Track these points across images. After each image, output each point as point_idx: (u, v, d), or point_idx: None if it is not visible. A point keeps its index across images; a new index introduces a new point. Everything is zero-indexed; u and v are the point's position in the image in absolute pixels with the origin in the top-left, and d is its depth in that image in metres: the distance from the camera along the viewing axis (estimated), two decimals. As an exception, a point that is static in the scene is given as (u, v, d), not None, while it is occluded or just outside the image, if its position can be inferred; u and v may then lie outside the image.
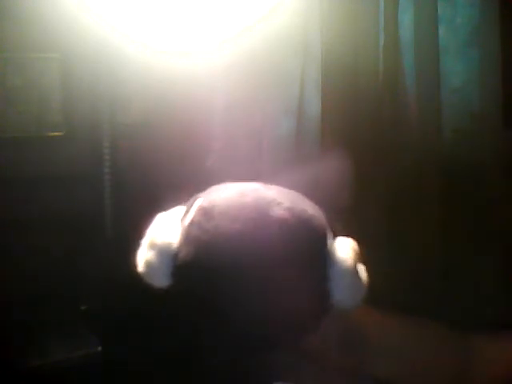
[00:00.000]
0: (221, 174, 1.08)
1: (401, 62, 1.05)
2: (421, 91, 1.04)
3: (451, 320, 0.84)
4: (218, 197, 0.58)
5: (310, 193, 0.63)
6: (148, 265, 0.59)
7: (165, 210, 0.64)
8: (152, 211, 0.66)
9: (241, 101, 1.17)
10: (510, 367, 0.64)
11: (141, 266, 0.60)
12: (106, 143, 1.26)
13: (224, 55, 1.02)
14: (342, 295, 0.55)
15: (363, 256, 0.59)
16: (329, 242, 0.57)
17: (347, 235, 0.60)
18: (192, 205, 0.60)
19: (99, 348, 1.13)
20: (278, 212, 0.55)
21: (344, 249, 0.57)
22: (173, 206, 0.64)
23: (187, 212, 0.59)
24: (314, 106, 1.10)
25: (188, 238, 0.56)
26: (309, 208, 0.58)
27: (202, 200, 0.59)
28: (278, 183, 0.63)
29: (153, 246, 0.59)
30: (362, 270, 0.58)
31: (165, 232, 0.58)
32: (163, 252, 0.57)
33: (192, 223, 0.57)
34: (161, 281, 0.58)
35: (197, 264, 0.54)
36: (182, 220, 0.59)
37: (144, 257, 0.60)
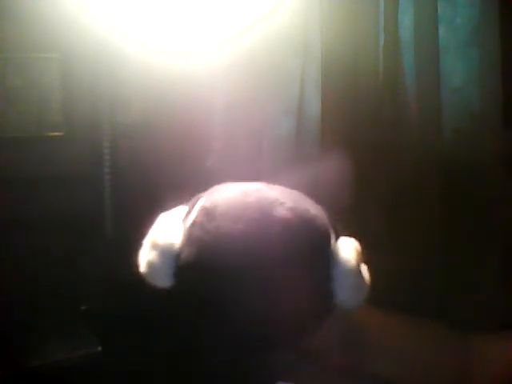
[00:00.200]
0: (221, 173, 1.09)
1: (401, 62, 1.05)
2: (421, 91, 1.04)
3: (451, 320, 0.84)
4: (220, 197, 0.58)
5: (310, 193, 0.63)
6: (150, 265, 0.59)
7: (165, 209, 0.64)
8: (152, 211, 0.66)
9: (241, 101, 1.17)
10: (510, 367, 0.64)
11: (143, 267, 0.60)
12: (105, 143, 1.26)
13: (224, 55, 1.02)
14: (345, 295, 0.55)
15: (364, 256, 0.59)
16: (332, 242, 0.57)
17: (349, 235, 0.60)
18: (194, 205, 0.60)
19: (99, 348, 1.13)
20: (280, 212, 0.55)
21: (347, 249, 0.57)
22: (174, 205, 0.64)
23: (189, 212, 0.59)
24: (314, 106, 1.10)
25: (190, 238, 0.56)
26: (312, 208, 0.58)
27: (204, 200, 0.59)
28: (278, 183, 0.63)
29: (155, 247, 0.59)
30: (364, 270, 0.58)
31: (167, 232, 0.58)
32: (165, 252, 0.57)
33: (194, 224, 0.57)
34: (163, 281, 0.58)
35: (199, 265, 0.54)
36: (184, 220, 0.59)
37: (146, 257, 0.60)
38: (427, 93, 1.03)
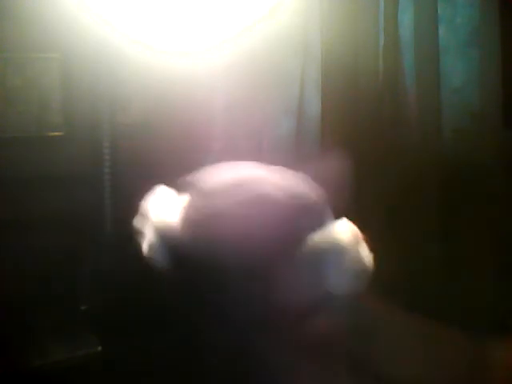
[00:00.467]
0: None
1: (401, 62, 1.05)
2: (421, 91, 1.04)
3: (450, 320, 0.84)
4: (213, 179, 0.60)
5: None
6: (148, 247, 0.61)
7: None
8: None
9: (241, 101, 1.17)
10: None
11: (142, 248, 0.62)
12: (105, 143, 1.26)
13: (224, 55, 1.02)
14: (337, 279, 0.55)
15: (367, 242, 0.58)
16: (327, 222, 0.56)
17: (351, 218, 0.59)
18: (188, 187, 0.61)
19: (99, 348, 1.14)
20: (272, 191, 0.56)
21: (342, 231, 0.56)
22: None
23: (184, 193, 0.61)
24: (314, 106, 1.10)
25: (185, 219, 0.57)
26: (304, 188, 0.59)
27: (198, 182, 0.61)
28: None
29: (153, 228, 0.60)
30: (362, 254, 0.56)
31: (163, 214, 0.60)
32: (162, 234, 0.59)
33: (189, 205, 0.58)
34: (161, 262, 0.59)
35: (194, 244, 0.56)
36: (180, 202, 0.60)
37: (144, 239, 0.62)
38: (427, 93, 1.03)
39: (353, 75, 1.09)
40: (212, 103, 1.19)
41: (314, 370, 0.59)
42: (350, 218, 0.59)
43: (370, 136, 1.07)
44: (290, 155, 1.11)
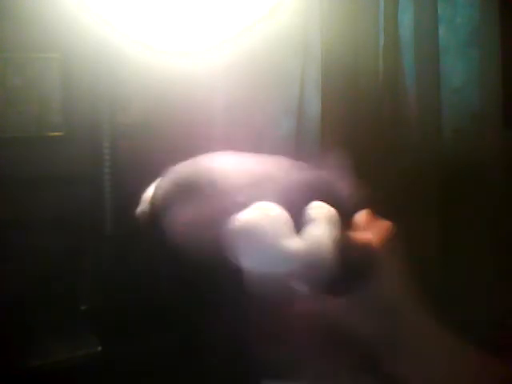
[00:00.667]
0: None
1: (401, 62, 1.05)
2: (421, 91, 1.04)
3: (450, 320, 0.84)
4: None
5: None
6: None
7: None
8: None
9: (241, 101, 1.17)
10: None
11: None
12: (105, 143, 1.26)
13: (224, 55, 1.02)
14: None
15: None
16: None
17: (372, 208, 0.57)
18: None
19: (99, 348, 1.13)
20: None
21: (314, 215, 0.54)
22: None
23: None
24: (314, 106, 1.10)
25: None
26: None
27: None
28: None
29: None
30: (328, 243, 0.52)
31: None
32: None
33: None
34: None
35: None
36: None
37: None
38: (427, 93, 1.03)
39: (353, 75, 1.09)
40: (212, 103, 1.19)
41: (316, 367, 0.59)
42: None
43: (370, 136, 1.07)
44: (290, 155, 1.11)
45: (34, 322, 1.18)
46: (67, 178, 1.27)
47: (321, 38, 1.08)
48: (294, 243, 0.51)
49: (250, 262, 0.51)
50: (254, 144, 1.15)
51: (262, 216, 0.52)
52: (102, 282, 1.25)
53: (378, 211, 0.62)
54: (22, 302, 1.19)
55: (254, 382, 0.62)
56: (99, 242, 1.26)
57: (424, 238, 1.03)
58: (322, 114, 1.09)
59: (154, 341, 1.16)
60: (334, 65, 1.08)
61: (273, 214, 0.52)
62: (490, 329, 0.86)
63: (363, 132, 1.08)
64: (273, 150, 1.16)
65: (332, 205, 0.55)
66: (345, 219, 0.56)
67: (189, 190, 0.59)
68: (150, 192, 0.67)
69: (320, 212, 0.53)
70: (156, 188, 0.64)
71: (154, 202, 0.63)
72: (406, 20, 1.05)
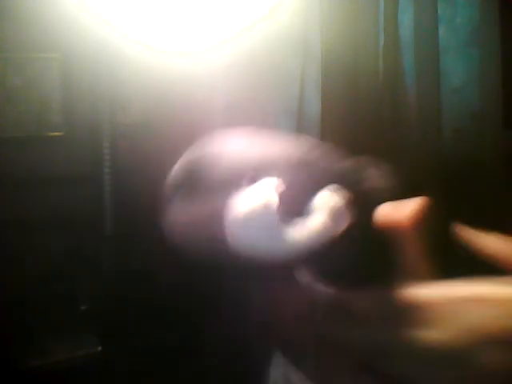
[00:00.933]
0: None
1: (401, 62, 1.05)
2: (421, 91, 1.04)
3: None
4: None
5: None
6: None
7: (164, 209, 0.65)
8: (152, 211, 0.66)
9: (241, 101, 1.17)
10: None
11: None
12: (105, 143, 1.26)
13: (224, 55, 1.02)
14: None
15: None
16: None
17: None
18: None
19: (99, 348, 1.14)
20: None
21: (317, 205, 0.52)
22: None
23: None
24: (314, 106, 1.10)
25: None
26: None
27: None
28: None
29: None
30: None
31: None
32: None
33: None
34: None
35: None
36: None
37: None
38: (427, 93, 1.03)
39: (353, 75, 1.09)
40: (212, 103, 1.19)
41: (317, 368, 0.58)
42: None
43: (370, 136, 1.07)
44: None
45: (33, 321, 1.18)
46: (67, 178, 1.27)
47: (321, 38, 1.08)
48: (290, 232, 0.50)
49: (247, 250, 0.50)
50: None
51: (258, 204, 0.52)
52: (101, 282, 1.25)
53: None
54: (22, 302, 1.19)
55: (254, 381, 0.62)
56: (99, 241, 1.26)
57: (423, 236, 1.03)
58: (322, 114, 1.09)
59: (154, 341, 1.16)
60: (334, 65, 1.08)
61: (268, 200, 0.52)
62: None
63: (363, 132, 1.08)
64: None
65: (352, 192, 0.52)
66: (368, 207, 0.52)
67: (191, 179, 0.56)
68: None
69: (323, 202, 0.52)
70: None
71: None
72: (406, 20, 1.05)
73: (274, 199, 0.52)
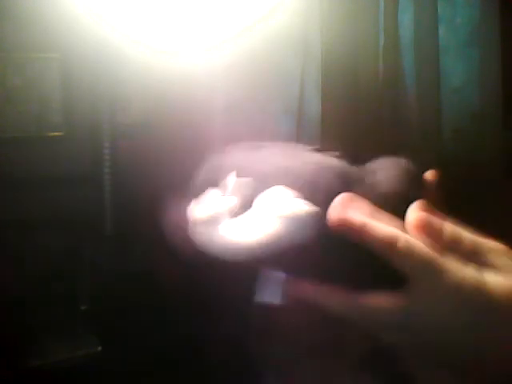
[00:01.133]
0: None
1: (401, 62, 1.05)
2: (421, 91, 1.04)
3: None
4: None
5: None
6: None
7: (165, 209, 0.65)
8: (152, 211, 0.66)
9: (241, 101, 1.17)
10: None
11: None
12: (106, 143, 1.26)
13: (224, 55, 1.02)
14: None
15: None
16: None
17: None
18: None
19: (99, 348, 1.14)
20: None
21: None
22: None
23: None
24: (314, 106, 1.10)
25: None
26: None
27: None
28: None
29: None
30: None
31: None
32: None
33: None
34: None
35: None
36: None
37: None
38: (427, 93, 1.03)
39: (353, 75, 1.09)
40: (212, 103, 1.19)
41: (315, 369, 0.58)
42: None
43: (370, 136, 1.07)
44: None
45: (33, 321, 1.18)
46: (67, 178, 1.27)
47: (321, 38, 1.08)
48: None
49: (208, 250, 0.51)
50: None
51: (219, 206, 0.52)
52: (101, 282, 1.25)
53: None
54: (22, 302, 1.19)
55: (254, 381, 0.62)
56: (99, 241, 1.26)
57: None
58: (322, 114, 1.09)
59: (154, 341, 1.16)
60: (334, 65, 1.08)
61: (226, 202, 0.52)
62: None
63: (363, 132, 1.08)
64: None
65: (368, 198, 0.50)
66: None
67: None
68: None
69: (287, 210, 0.51)
70: None
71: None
72: (406, 20, 1.05)
73: (230, 203, 0.53)
